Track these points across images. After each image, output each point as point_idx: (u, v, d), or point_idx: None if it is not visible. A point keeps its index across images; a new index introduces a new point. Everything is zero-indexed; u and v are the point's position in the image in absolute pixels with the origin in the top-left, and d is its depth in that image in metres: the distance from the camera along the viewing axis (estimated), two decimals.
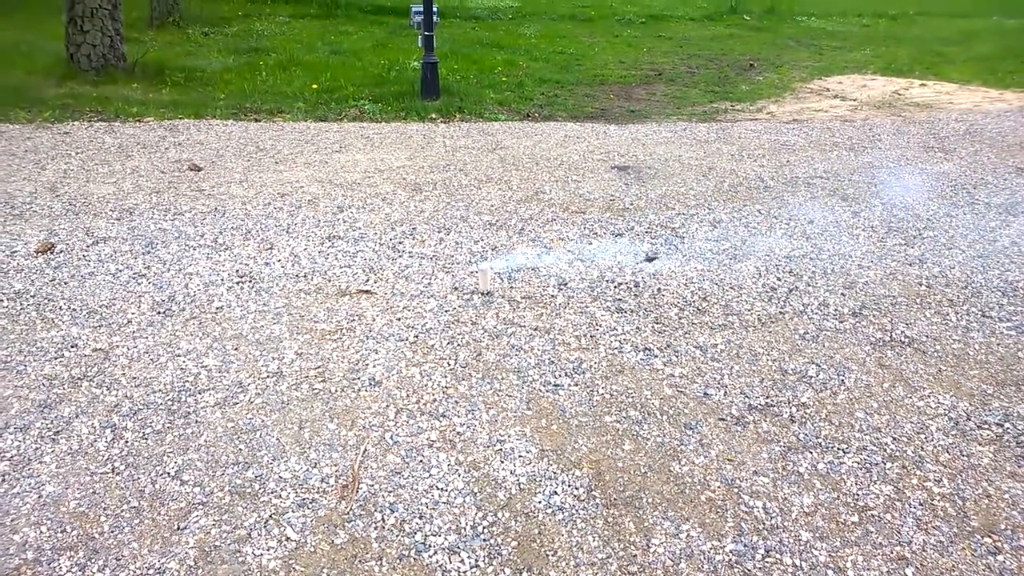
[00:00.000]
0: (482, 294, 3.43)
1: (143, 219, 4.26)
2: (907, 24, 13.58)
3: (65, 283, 3.48)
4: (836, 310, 3.36)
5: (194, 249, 3.88)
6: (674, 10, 14.09)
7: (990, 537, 2.13)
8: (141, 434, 2.46)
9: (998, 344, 3.12)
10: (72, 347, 2.95)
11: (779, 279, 3.66)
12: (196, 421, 2.53)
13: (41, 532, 2.06)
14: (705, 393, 2.74)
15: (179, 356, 2.90)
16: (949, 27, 13.23)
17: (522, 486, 2.27)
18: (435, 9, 7.16)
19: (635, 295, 3.46)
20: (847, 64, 9.80)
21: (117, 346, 2.97)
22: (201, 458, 2.36)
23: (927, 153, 5.88)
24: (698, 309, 3.35)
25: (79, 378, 2.75)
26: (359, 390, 2.72)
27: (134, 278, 3.55)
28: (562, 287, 3.52)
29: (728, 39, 11.57)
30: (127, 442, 2.42)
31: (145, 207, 4.45)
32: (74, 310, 3.24)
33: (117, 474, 2.28)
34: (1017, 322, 3.29)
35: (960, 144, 6.14)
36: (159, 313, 3.23)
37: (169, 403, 2.62)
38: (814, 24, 13.14)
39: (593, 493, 2.25)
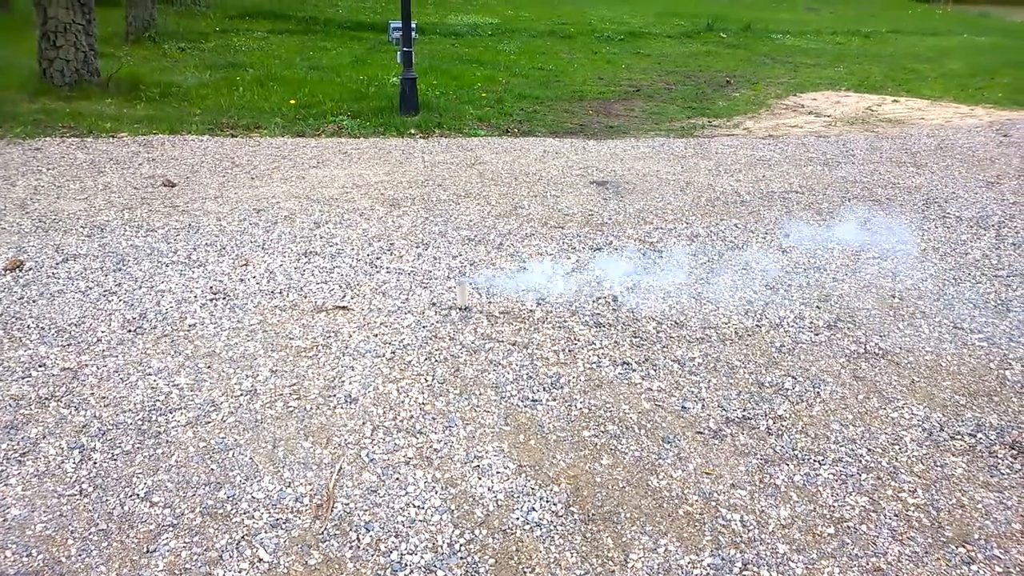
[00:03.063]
0: (460, 309, 3.42)
1: (114, 236, 4.20)
2: (880, 42, 13.86)
3: (34, 301, 3.41)
4: (811, 323, 3.39)
5: (167, 266, 3.83)
6: (652, 27, 14.26)
7: (964, 547, 2.14)
8: (110, 455, 2.41)
9: (970, 355, 3.16)
10: (40, 366, 2.89)
11: (755, 292, 3.68)
12: (167, 441, 2.48)
13: (5, 556, 2.01)
14: (683, 407, 2.74)
15: (150, 375, 2.85)
16: (921, 45, 13.52)
17: (500, 503, 2.25)
18: (414, 25, 7.19)
19: (613, 309, 3.46)
20: (821, 81, 9.96)
21: (86, 365, 2.91)
22: (172, 479, 2.31)
23: (899, 168, 5.98)
24: (676, 323, 3.35)
25: (47, 398, 2.69)
26: (335, 407, 2.68)
27: (104, 295, 3.49)
28: (540, 302, 3.52)
29: (705, 56, 11.73)
30: (96, 463, 2.37)
31: (117, 223, 4.39)
32: (42, 328, 3.17)
33: (85, 496, 2.23)
34: (988, 333, 3.34)
35: (932, 159, 6.25)
36: (130, 331, 3.17)
37: (139, 423, 2.57)
38: (789, 42, 13.36)
39: (571, 509, 2.23)
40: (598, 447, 2.51)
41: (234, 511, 2.19)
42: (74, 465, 2.36)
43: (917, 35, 14.90)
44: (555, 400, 2.76)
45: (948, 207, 5.01)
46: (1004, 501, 2.32)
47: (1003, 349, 3.21)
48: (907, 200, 5.15)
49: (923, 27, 16.10)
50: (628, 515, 2.22)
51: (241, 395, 2.74)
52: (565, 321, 3.34)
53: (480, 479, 2.34)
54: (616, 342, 3.17)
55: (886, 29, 15.25)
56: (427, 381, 2.86)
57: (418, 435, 2.54)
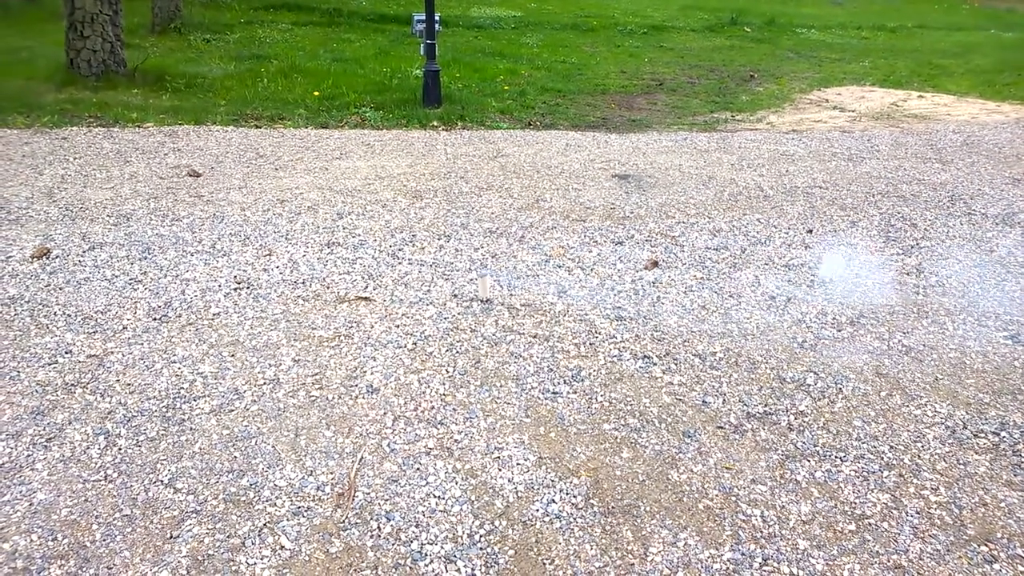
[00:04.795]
0: (481, 301, 3.42)
1: (140, 225, 4.26)
2: (906, 37, 13.64)
3: (60, 288, 3.47)
4: (834, 319, 3.36)
5: (191, 255, 3.87)
6: (675, 21, 14.15)
7: (986, 546, 2.11)
8: (135, 441, 2.45)
9: (994, 353, 3.11)
10: (66, 353, 2.94)
11: (777, 288, 3.65)
12: (191, 428, 2.51)
13: (32, 540, 2.05)
14: (704, 401, 2.73)
15: (174, 363, 2.89)
16: (947, 40, 13.29)
17: (520, 494, 2.26)
18: (437, 18, 7.19)
19: (635, 303, 3.45)
20: (846, 76, 9.83)
21: (112, 352, 2.95)
22: (195, 466, 2.34)
23: (925, 164, 5.89)
24: (697, 317, 3.34)
25: (73, 384, 2.74)
26: (356, 397, 2.70)
27: (130, 284, 3.54)
28: (561, 295, 3.51)
29: (728, 50, 11.62)
30: (120, 449, 2.41)
31: (142, 213, 4.44)
32: (69, 316, 3.22)
33: (110, 482, 2.27)
34: (1013, 331, 3.29)
35: (957, 155, 6.15)
36: (155, 319, 3.21)
37: (163, 410, 2.61)
38: (813, 36, 13.20)
39: (591, 501, 2.24)
40: (618, 440, 2.51)
41: (257, 499, 2.21)
42: (99, 451, 2.40)
43: (943, 30, 14.64)
44: (576, 393, 2.76)
45: (974, 204, 4.93)
46: None
47: None
48: (932, 196, 5.08)
49: (949, 22, 15.82)
50: (648, 508, 2.22)
51: (264, 384, 2.77)
52: (586, 314, 3.33)
53: (500, 470, 2.35)
54: (637, 335, 3.16)
55: (912, 24, 15.01)
56: (448, 372, 2.87)
57: (439, 426, 2.56)
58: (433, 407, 2.66)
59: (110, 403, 2.63)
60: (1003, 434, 2.60)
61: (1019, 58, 11.15)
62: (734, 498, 2.27)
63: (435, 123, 6.89)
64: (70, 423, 2.52)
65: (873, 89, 9.04)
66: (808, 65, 10.58)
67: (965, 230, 4.47)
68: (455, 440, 2.49)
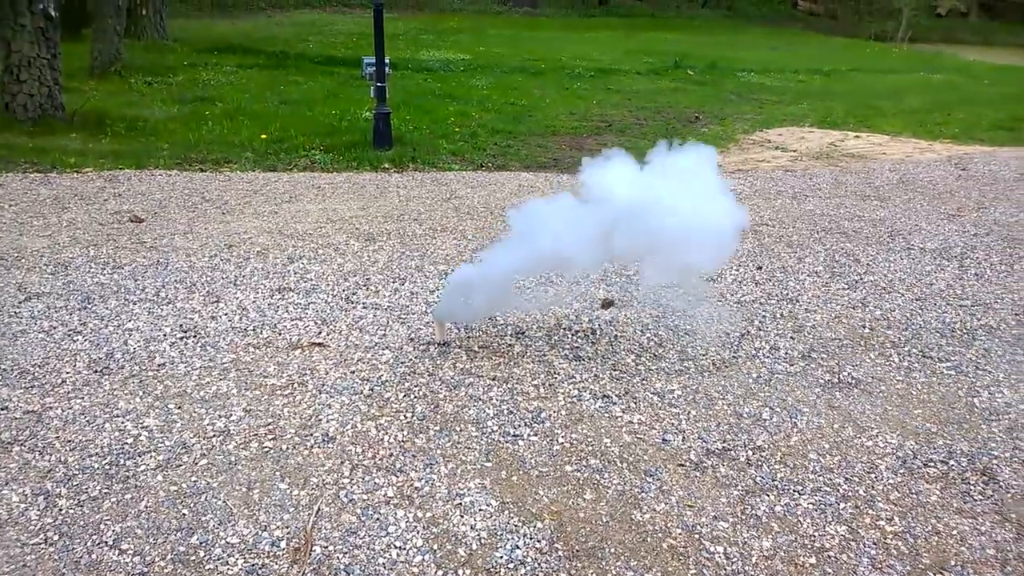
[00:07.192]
0: (438, 344, 3.39)
1: (79, 273, 4.11)
2: (840, 80, 14.29)
3: None
4: (786, 353, 3.43)
5: (134, 304, 3.75)
6: (621, 64, 14.56)
7: (941, 573, 2.16)
8: (76, 501, 2.32)
9: (939, 383, 3.21)
10: (2, 409, 2.79)
11: (731, 324, 3.72)
12: (136, 486, 2.40)
13: None
14: (664, 439, 2.74)
15: (117, 417, 2.77)
16: (880, 83, 13.98)
17: (483, 541, 2.21)
18: (387, 61, 7.24)
19: (592, 343, 3.47)
20: (786, 117, 10.23)
21: (50, 408, 2.82)
22: (141, 525, 2.23)
23: (864, 201, 6.13)
24: (654, 355, 3.37)
25: (9, 442, 2.59)
26: (312, 447, 2.63)
27: (69, 335, 3.40)
28: (519, 336, 3.51)
29: (673, 92, 11.99)
30: (61, 510, 2.28)
31: (82, 261, 4.29)
32: (4, 370, 3.07)
33: (51, 545, 2.14)
34: (955, 362, 3.41)
35: (894, 192, 6.43)
36: (96, 372, 3.08)
37: (106, 467, 2.48)
38: (753, 79, 13.73)
39: (555, 545, 2.20)
40: (581, 482, 2.48)
41: (207, 557, 2.11)
42: (38, 512, 2.27)
43: (876, 73, 15.41)
44: (536, 435, 2.73)
45: (912, 239, 5.14)
46: (978, 527, 2.35)
47: (971, 377, 3.27)
48: (873, 232, 5.28)
49: (881, 65, 16.67)
50: (612, 550, 2.19)
51: (214, 436, 2.67)
52: (544, 355, 3.33)
53: (463, 517, 2.30)
54: (596, 375, 3.17)
55: (846, 67, 15.76)
56: (406, 418, 2.82)
57: (398, 473, 2.50)
58: (392, 454, 2.60)
59: (49, 461, 2.50)
60: (951, 462, 2.67)
61: (948, 98, 11.80)
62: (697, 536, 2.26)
63: (387, 165, 6.89)
64: (7, 483, 2.38)
65: (812, 130, 9.43)
66: (750, 107, 10.98)
67: (905, 264, 4.65)
68: (415, 488, 2.43)
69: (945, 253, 4.86)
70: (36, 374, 3.05)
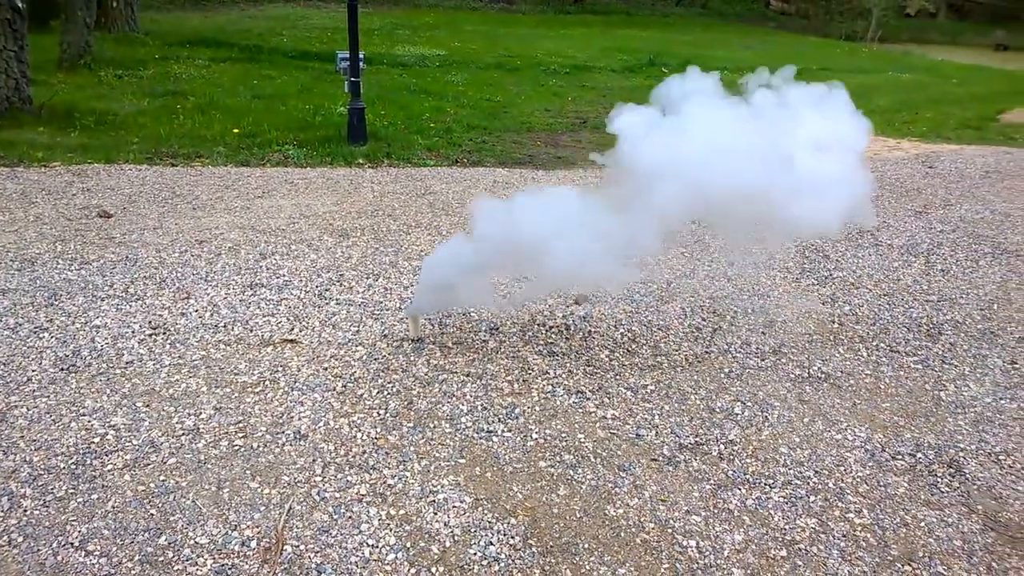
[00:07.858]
0: (412, 341, 3.37)
1: (46, 269, 4.02)
2: (811, 79, 14.37)
3: None
4: (757, 348, 3.46)
5: (102, 300, 3.68)
6: (596, 62, 14.59)
7: (910, 565, 2.19)
8: (42, 501, 2.27)
9: (906, 377, 3.27)
10: None
11: (704, 320, 3.75)
12: (103, 486, 2.36)
13: None
14: (637, 434, 2.75)
15: (84, 415, 2.72)
16: (851, 82, 14.03)
17: (456, 538, 2.20)
18: (361, 56, 7.18)
19: (566, 338, 3.48)
20: None
21: (15, 407, 2.75)
22: (108, 526, 2.19)
23: None
24: (628, 351, 3.38)
25: None
26: (283, 445, 2.60)
27: (35, 332, 3.32)
28: (493, 332, 3.50)
29: (647, 90, 11.95)
30: (26, 511, 2.23)
31: (49, 256, 4.20)
32: None
33: (14, 546, 2.10)
34: (922, 356, 3.47)
35: None
36: (62, 370, 3.02)
37: (73, 467, 2.44)
38: (726, 77, 13.85)
39: (529, 541, 2.21)
40: (555, 477, 2.49)
41: (176, 558, 2.08)
42: (2, 513, 2.22)
43: (846, 72, 15.60)
44: (511, 431, 2.73)
45: (880, 236, 5.22)
46: (945, 519, 2.39)
47: (937, 371, 3.33)
48: (841, 229, 5.34)
49: (851, 65, 16.89)
50: (586, 546, 2.20)
51: (183, 434, 2.63)
52: (519, 351, 3.33)
53: (436, 514, 2.30)
54: (570, 371, 3.17)
55: (816, 67, 15.93)
56: (380, 415, 2.80)
57: (371, 471, 2.48)
58: (364, 452, 2.58)
59: (14, 461, 2.45)
60: (919, 455, 2.72)
61: (916, 98, 12.00)
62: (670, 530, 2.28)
63: (361, 160, 6.84)
64: None
65: None
66: None
67: (873, 260, 4.72)
68: (388, 485, 2.42)
69: (912, 249, 4.95)
70: (1, 372, 2.98)
